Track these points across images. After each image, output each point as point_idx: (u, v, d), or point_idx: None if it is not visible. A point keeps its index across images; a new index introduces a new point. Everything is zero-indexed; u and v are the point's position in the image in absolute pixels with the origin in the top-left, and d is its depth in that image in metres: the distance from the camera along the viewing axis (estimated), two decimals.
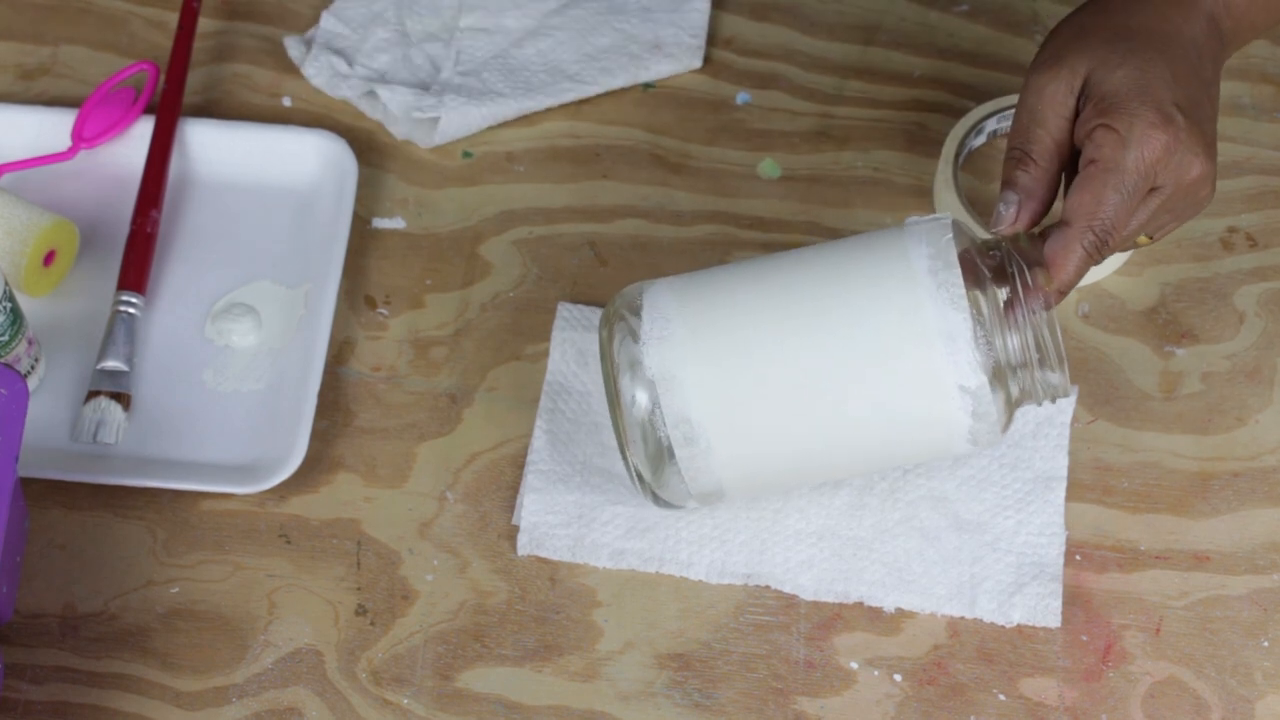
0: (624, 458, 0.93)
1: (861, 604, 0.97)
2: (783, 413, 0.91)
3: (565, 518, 0.99)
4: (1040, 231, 0.92)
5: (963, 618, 0.97)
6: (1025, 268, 0.90)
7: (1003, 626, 0.97)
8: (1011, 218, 0.92)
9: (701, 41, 1.15)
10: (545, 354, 1.04)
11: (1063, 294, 0.91)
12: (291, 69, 1.15)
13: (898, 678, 0.96)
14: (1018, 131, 0.93)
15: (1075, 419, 1.02)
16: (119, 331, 1.03)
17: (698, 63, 1.15)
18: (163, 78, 1.12)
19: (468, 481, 1.01)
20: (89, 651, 0.96)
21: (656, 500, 0.95)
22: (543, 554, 0.98)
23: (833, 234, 1.08)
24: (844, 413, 0.91)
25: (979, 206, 1.08)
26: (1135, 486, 1.01)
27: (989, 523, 0.99)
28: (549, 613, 0.97)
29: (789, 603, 0.98)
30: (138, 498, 1.00)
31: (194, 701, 0.95)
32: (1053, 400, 0.92)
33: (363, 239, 1.08)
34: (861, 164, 1.11)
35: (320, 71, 1.14)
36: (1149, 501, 1.00)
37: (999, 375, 0.90)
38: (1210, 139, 0.92)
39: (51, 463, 1.00)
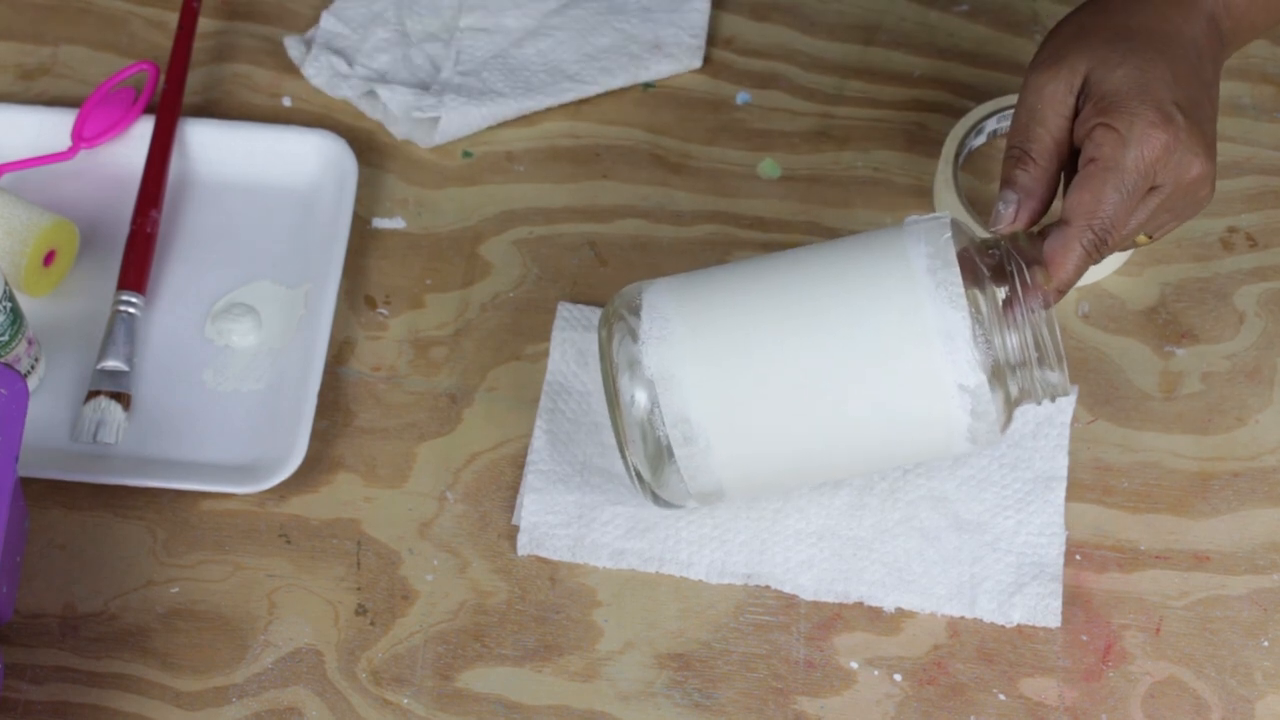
0: (623, 458, 0.93)
1: (861, 604, 0.97)
2: (782, 412, 0.91)
3: (565, 518, 0.99)
4: (1039, 230, 0.92)
5: (963, 618, 0.97)
6: (1024, 266, 0.90)
7: (1003, 626, 0.97)
8: (1011, 216, 0.92)
9: (701, 41, 1.15)
10: (545, 354, 1.04)
11: (1062, 293, 0.91)
12: (291, 69, 1.15)
13: (898, 678, 0.96)
14: (1017, 130, 0.93)
15: (1075, 419, 1.02)
16: (119, 331, 1.03)
17: (698, 63, 1.15)
18: (163, 78, 1.12)
19: (468, 481, 1.01)
20: (89, 651, 0.96)
21: (656, 500, 0.95)
22: (543, 554, 0.98)
23: (833, 234, 1.08)
24: (843, 412, 0.91)
25: (979, 206, 1.08)
26: (1135, 486, 1.01)
27: (989, 523, 0.99)
28: (549, 613, 0.97)
29: (789, 603, 0.98)
30: (138, 498, 1.00)
31: (194, 701, 0.95)
32: (1052, 399, 0.92)
33: (363, 239, 1.08)
34: (861, 164, 1.11)
35: (320, 71, 1.14)
36: (1149, 501, 1.00)
37: (998, 374, 0.90)
38: (1210, 139, 0.92)
39: (51, 463, 1.00)
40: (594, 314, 1.05)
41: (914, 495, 1.00)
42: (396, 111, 1.12)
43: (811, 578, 0.98)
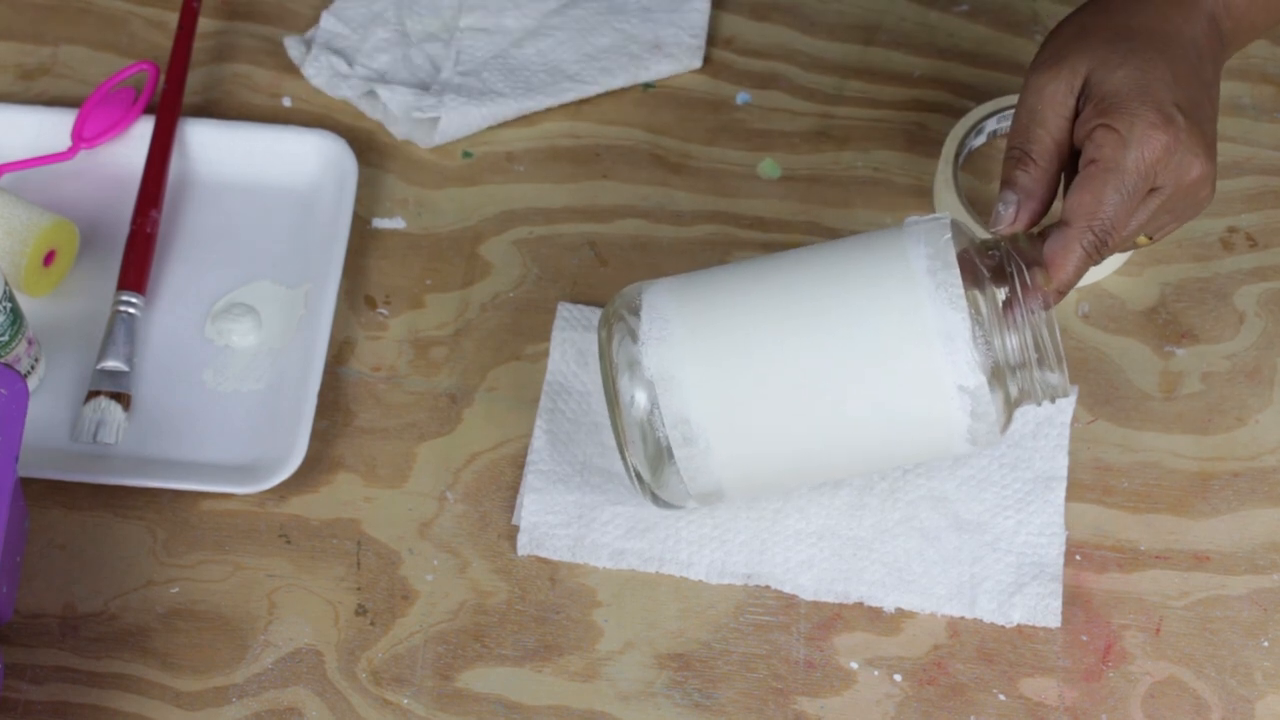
0: (623, 458, 0.93)
1: (861, 604, 0.97)
2: (782, 413, 0.91)
3: (565, 518, 0.99)
4: (1040, 231, 0.92)
5: (963, 618, 0.97)
6: (1024, 267, 0.90)
7: (1003, 626, 0.97)
8: (1011, 217, 0.92)
9: (701, 41, 1.15)
10: (545, 354, 1.04)
11: (1061, 294, 0.91)
12: (291, 69, 1.15)
13: (898, 678, 0.96)
14: (1017, 131, 0.93)
15: (1075, 419, 1.02)
16: (119, 331, 1.03)
17: (698, 63, 1.15)
18: (163, 78, 1.12)
19: (468, 481, 1.01)
20: (89, 651, 0.96)
21: (656, 501, 0.95)
22: (543, 554, 0.98)
23: (833, 234, 1.08)
24: (843, 413, 0.91)
25: (979, 206, 1.08)
26: (1135, 486, 1.01)
27: (989, 523, 0.99)
28: (549, 613, 0.97)
29: (789, 603, 0.98)
30: (138, 498, 1.00)
31: (194, 701, 0.95)
32: (1052, 400, 0.92)
33: (363, 239, 1.08)
34: (861, 164, 1.11)
35: (320, 71, 1.14)
36: (1149, 501, 1.00)
37: (998, 375, 0.90)
38: (1210, 140, 0.92)
39: (51, 463, 1.00)
40: (594, 314, 1.05)
41: (914, 495, 1.00)
42: (396, 111, 1.12)
43: (811, 578, 0.98)
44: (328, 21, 1.16)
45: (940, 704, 0.95)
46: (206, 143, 1.10)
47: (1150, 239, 0.95)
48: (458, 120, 1.11)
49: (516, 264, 1.08)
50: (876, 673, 0.96)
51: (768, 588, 0.98)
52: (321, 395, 1.02)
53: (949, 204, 1.07)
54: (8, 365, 0.97)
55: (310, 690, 0.95)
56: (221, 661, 0.96)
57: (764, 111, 1.13)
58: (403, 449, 1.02)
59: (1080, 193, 0.90)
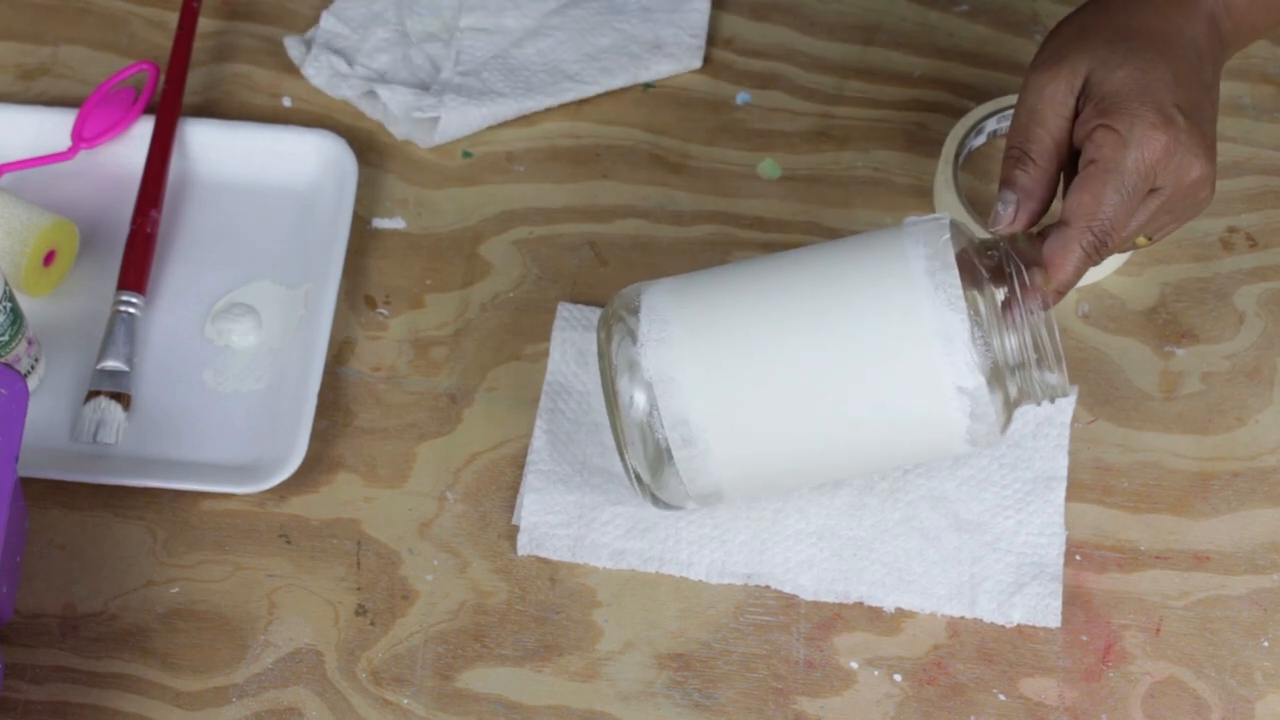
0: (622, 460, 0.93)
1: (861, 604, 0.97)
2: (781, 413, 0.91)
3: (565, 518, 0.99)
4: (1039, 231, 0.92)
5: (963, 618, 0.97)
6: (1023, 268, 0.90)
7: (1003, 626, 0.97)
8: (1010, 217, 0.92)
9: (701, 41, 1.15)
10: (545, 354, 1.04)
11: (1061, 294, 0.91)
12: (291, 69, 1.15)
13: (898, 678, 0.96)
14: (1017, 131, 0.93)
15: (1075, 419, 1.02)
16: (119, 331, 1.03)
17: (698, 63, 1.15)
18: (163, 78, 1.12)
19: (468, 481, 1.01)
20: (89, 651, 0.96)
21: (655, 502, 0.95)
22: (543, 554, 0.98)
23: (833, 234, 1.08)
24: (843, 413, 0.91)
25: (979, 206, 1.08)
26: (1135, 486, 1.01)
27: (989, 523, 0.99)
28: (549, 613, 0.97)
29: (789, 603, 0.98)
30: (138, 498, 1.00)
31: (194, 701, 0.95)
32: (1051, 400, 0.92)
33: (363, 239, 1.08)
34: (861, 164, 1.11)
35: (320, 71, 1.14)
36: (1149, 501, 1.00)
37: (997, 376, 0.90)
38: (1210, 140, 0.92)
39: (51, 463, 1.00)
40: (594, 314, 1.05)
41: (914, 495, 1.00)
42: (396, 111, 1.12)
43: (811, 578, 0.98)
44: (328, 21, 1.16)
45: (940, 704, 0.95)
46: (206, 143, 1.10)
47: (1150, 239, 0.95)
48: (458, 120, 1.11)
49: (516, 264, 1.08)
50: (876, 673, 0.96)
51: (768, 588, 0.98)
52: (321, 395, 1.02)
53: (949, 204, 1.07)
54: (8, 365, 0.97)
55: (310, 690, 0.95)
56: (221, 661, 0.96)
57: (764, 111, 1.13)
58: (403, 449, 1.02)
59: (1080, 193, 0.90)
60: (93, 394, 1.01)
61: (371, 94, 1.13)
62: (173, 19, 1.16)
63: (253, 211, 1.09)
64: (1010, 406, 0.92)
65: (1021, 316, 0.90)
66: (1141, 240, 0.95)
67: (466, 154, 1.12)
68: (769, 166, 1.11)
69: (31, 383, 1.02)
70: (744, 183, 1.11)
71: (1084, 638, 0.96)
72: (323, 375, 1.02)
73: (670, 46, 1.14)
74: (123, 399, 1.02)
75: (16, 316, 0.99)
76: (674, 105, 1.14)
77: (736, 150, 1.12)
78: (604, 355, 0.93)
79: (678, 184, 1.11)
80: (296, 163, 1.10)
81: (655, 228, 1.09)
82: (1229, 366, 1.04)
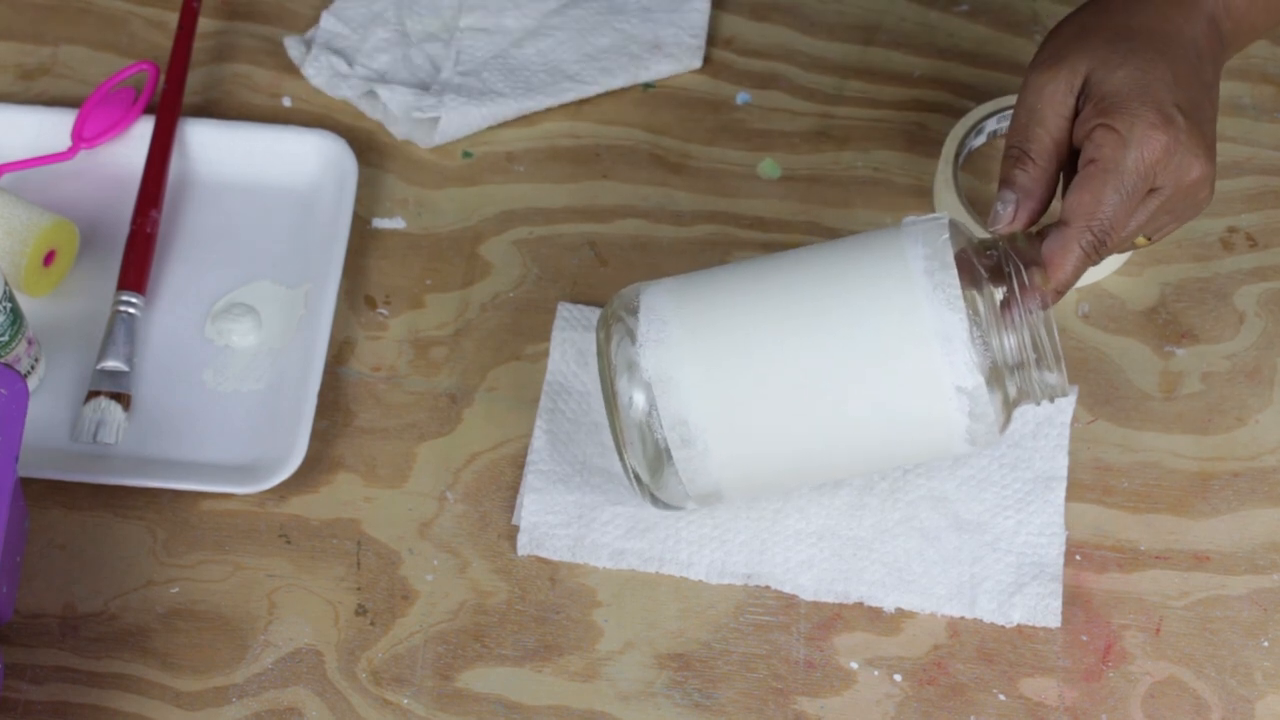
0: (621, 460, 0.93)
1: (861, 604, 0.97)
2: (780, 413, 0.91)
3: (565, 518, 0.99)
4: (1038, 231, 0.92)
5: (963, 618, 0.97)
6: (1022, 267, 0.90)
7: (1003, 626, 0.97)
8: (1009, 217, 0.92)
9: (701, 41, 1.15)
10: (545, 354, 1.04)
11: (1060, 294, 0.91)
12: (291, 69, 1.15)
13: (898, 678, 0.96)
14: (1016, 130, 0.93)
15: (1075, 419, 1.02)
16: (119, 331, 1.03)
17: (698, 63, 1.15)
18: (163, 78, 1.12)
19: (468, 481, 1.01)
20: (89, 651, 0.96)
21: (655, 502, 0.95)
22: (543, 554, 0.98)
23: (833, 234, 1.08)
24: (842, 413, 0.91)
25: (979, 206, 1.08)
26: (1135, 486, 1.01)
27: (989, 523, 0.99)
28: (549, 613, 0.97)
29: (789, 603, 0.98)
30: (138, 498, 1.00)
31: (194, 701, 0.95)
32: (1050, 400, 0.92)
33: (363, 239, 1.08)
34: (861, 164, 1.11)
35: (320, 71, 1.14)
36: (1149, 501, 1.00)
37: (996, 375, 0.90)
38: (1210, 141, 0.92)
39: (51, 463, 1.00)
40: (594, 314, 1.05)
41: (914, 495, 1.00)
42: (396, 111, 1.12)
43: (811, 578, 0.98)
44: (328, 21, 1.16)
45: (940, 704, 0.95)
46: (206, 143, 1.10)
47: (1149, 240, 0.95)
48: (458, 120, 1.11)
49: (516, 264, 1.08)
50: (876, 673, 0.96)
51: (768, 588, 0.98)
52: (321, 395, 1.02)
53: (949, 204, 1.07)
54: (8, 365, 0.97)
55: (310, 690, 0.95)
56: (221, 661, 0.96)
57: (764, 111, 1.13)
58: (403, 449, 1.02)
59: (1079, 192, 0.90)
60: (93, 394, 1.01)
61: (371, 94, 1.13)
62: (173, 19, 1.16)
63: (253, 211, 1.09)
64: (1009, 406, 0.92)
65: (1020, 316, 0.90)
66: (1141, 240, 0.95)
67: (466, 154, 1.12)
68: (769, 166, 1.11)
69: (31, 383, 1.02)
70: (744, 183, 1.11)
71: (1084, 638, 0.96)
72: (323, 375, 1.02)
73: (670, 46, 1.14)
74: (123, 399, 1.02)
75: (16, 316, 0.99)
76: (674, 105, 1.14)
77: (736, 150, 1.12)
78: (603, 355, 0.93)
79: (678, 184, 1.11)
80: (296, 163, 1.10)
81: (655, 228, 1.09)
82: (1229, 366, 1.04)
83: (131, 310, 1.04)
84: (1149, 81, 0.90)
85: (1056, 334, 0.90)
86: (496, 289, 1.07)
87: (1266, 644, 0.96)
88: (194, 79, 1.14)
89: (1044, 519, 0.99)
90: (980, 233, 1.02)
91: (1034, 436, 1.01)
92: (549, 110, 1.13)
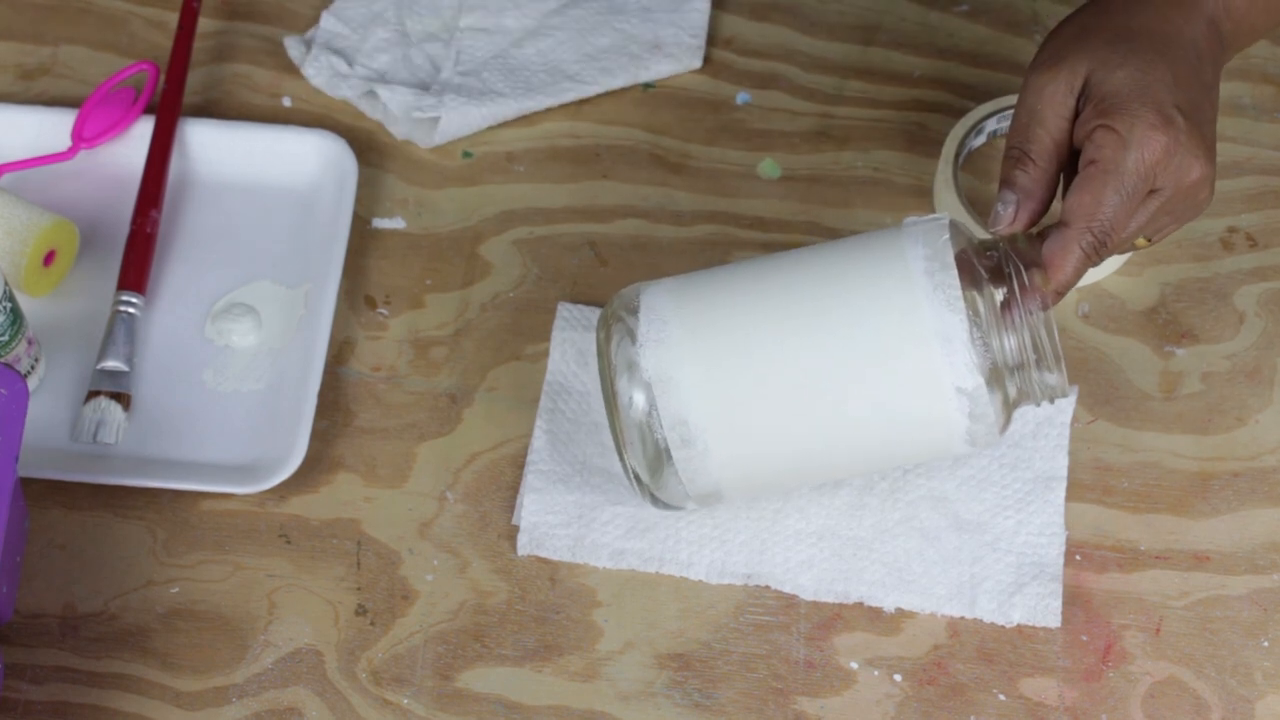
0: (621, 460, 0.93)
1: (861, 604, 0.97)
2: (781, 413, 0.91)
3: (565, 518, 0.99)
4: (1038, 232, 0.92)
5: (963, 618, 0.97)
6: (1023, 268, 0.90)
7: (1003, 626, 0.97)
8: (1009, 217, 0.92)
9: (701, 41, 1.15)
10: (545, 354, 1.04)
11: (1060, 295, 0.91)
12: (291, 69, 1.15)
13: (898, 678, 0.96)
14: (1017, 131, 0.93)
15: (1075, 419, 1.02)
16: (119, 331, 1.03)
17: (698, 63, 1.15)
18: (163, 78, 1.12)
19: (468, 481, 1.01)
20: (89, 651, 0.96)
21: (655, 502, 0.95)
22: (543, 554, 0.98)
23: (833, 234, 1.08)
24: (843, 413, 0.91)
25: (979, 206, 1.08)
26: (1135, 486, 1.01)
27: (989, 523, 0.99)
28: (549, 613, 0.97)
29: (789, 603, 0.98)
30: (138, 498, 1.00)
31: (194, 701, 0.95)
32: (1050, 401, 0.92)
33: (363, 239, 1.08)
34: (861, 164, 1.11)
35: (320, 71, 1.14)
36: (1149, 501, 1.00)
37: (996, 376, 0.90)
38: (1210, 141, 0.92)
39: (51, 463, 1.00)
40: (594, 314, 1.05)
41: (914, 495, 1.00)
42: (396, 111, 1.12)
43: (811, 578, 0.98)
44: (328, 21, 1.16)
45: (940, 704, 0.95)
46: (206, 143, 1.10)
47: (1149, 240, 0.95)
48: (458, 120, 1.11)
49: (516, 264, 1.08)
50: (876, 673, 0.96)
51: (768, 588, 0.98)
52: (321, 395, 1.02)
53: (949, 204, 1.07)
54: (8, 365, 0.97)
55: (310, 690, 0.95)
56: (221, 661, 0.96)
57: (764, 111, 1.13)
58: (403, 449, 1.02)
59: (1079, 193, 0.90)
60: (93, 394, 1.01)
61: (371, 94, 1.13)
62: (173, 19, 1.16)
63: (253, 211, 1.09)
64: (1009, 407, 0.92)
65: (1021, 317, 0.90)
66: (1141, 241, 0.95)
67: (466, 154, 1.12)
68: (769, 166, 1.11)
69: (31, 383, 1.02)
70: (744, 183, 1.11)
71: (1084, 638, 0.96)
72: (323, 375, 1.02)
73: (670, 46, 1.14)
74: (123, 399, 1.02)
75: (16, 316, 0.99)
76: (674, 105, 1.14)
77: (736, 150, 1.12)
78: (603, 355, 0.93)
79: (678, 184, 1.11)
80: (296, 163, 1.10)
81: (655, 228, 1.09)
82: (1229, 366, 1.04)
83: (131, 310, 1.04)
84: (1149, 82, 0.90)
85: (1057, 335, 0.90)
86: (496, 289, 1.07)
87: (1266, 644, 0.96)
88: (194, 79, 1.14)
89: (1044, 519, 0.99)
90: (980, 233, 1.02)
91: (1034, 436, 1.01)
92: (549, 110, 1.13)
